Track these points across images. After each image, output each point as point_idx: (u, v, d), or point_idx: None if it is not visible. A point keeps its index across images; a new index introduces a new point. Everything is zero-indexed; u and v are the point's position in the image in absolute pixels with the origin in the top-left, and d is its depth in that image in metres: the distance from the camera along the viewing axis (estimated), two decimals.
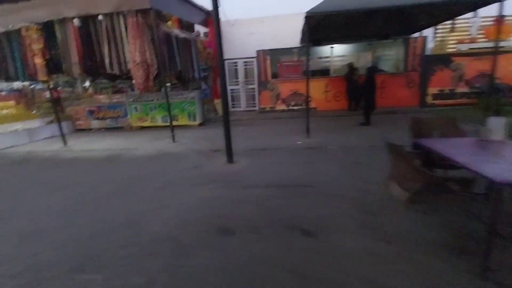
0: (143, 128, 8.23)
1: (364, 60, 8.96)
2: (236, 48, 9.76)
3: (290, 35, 9.02)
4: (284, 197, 2.80)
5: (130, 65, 5.64)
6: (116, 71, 5.81)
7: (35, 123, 7.72)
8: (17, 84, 8.31)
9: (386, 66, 9.12)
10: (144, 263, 1.86)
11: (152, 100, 8.18)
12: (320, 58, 9.43)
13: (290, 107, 9.42)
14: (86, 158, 5.15)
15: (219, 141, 5.68)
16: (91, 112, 8.49)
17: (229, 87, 9.72)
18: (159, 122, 8.22)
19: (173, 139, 5.90)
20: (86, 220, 2.58)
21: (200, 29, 8.89)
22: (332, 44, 9.07)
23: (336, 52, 9.27)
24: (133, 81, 6.47)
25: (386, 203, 2.33)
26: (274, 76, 9.34)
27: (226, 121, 3.90)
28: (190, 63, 7.38)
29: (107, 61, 5.81)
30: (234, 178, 3.44)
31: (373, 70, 6.32)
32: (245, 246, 1.99)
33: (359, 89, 7.30)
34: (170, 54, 6.30)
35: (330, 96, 9.03)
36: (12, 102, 8.20)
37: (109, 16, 5.44)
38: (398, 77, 8.54)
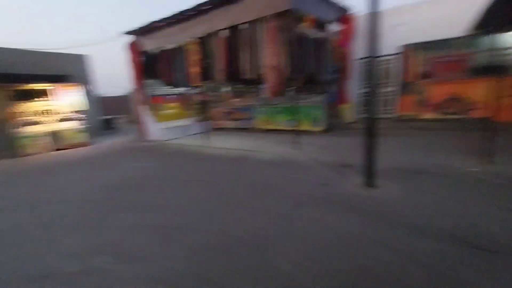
0: (267, 130, 8.50)
1: None
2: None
3: (446, 23, 6.83)
4: (474, 266, 1.74)
5: (263, 70, 5.77)
6: (251, 76, 6.11)
7: (188, 121, 9.52)
8: (180, 90, 10.55)
9: None
10: None
11: (277, 104, 8.30)
12: (500, 50, 6.61)
13: (445, 116, 7.15)
14: (219, 156, 5.64)
15: (347, 153, 4.87)
16: (227, 114, 9.61)
17: (359, 91, 8.55)
18: (282, 126, 8.24)
19: (296, 146, 5.58)
20: (207, 227, 2.53)
21: (333, 27, 8.23)
22: None
23: None
24: (265, 86, 6.74)
25: None
26: (424, 76, 7.37)
27: (371, 130, 3.07)
28: (321, 64, 6.86)
29: (245, 67, 6.20)
30: (380, 211, 2.59)
31: None
32: None
33: None
34: (302, 57, 6.02)
35: None
36: (176, 104, 10.50)
37: (251, 23, 5.75)
38: None
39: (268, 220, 2.56)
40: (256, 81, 7.33)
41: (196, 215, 2.81)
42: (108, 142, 9.07)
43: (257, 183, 3.67)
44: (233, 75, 6.58)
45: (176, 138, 8.52)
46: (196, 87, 7.69)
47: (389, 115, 8.43)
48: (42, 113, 8.10)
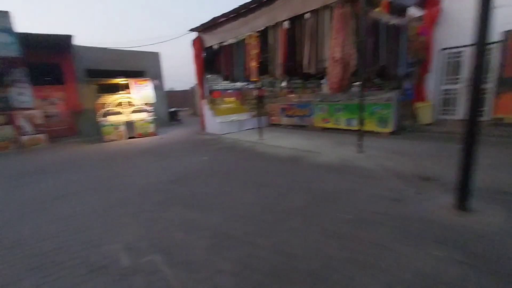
0: (325, 129, 7.90)
1: None
2: (462, 31, 6.87)
3: None
4: None
5: (326, 63, 5.25)
6: (312, 70, 5.65)
7: (244, 116, 9.56)
8: (237, 84, 10.68)
9: None
10: None
11: (339, 101, 7.59)
12: None
13: None
14: (273, 154, 5.40)
15: (424, 162, 4.05)
16: (283, 110, 9.30)
17: (442, 87, 7.19)
18: (342, 125, 7.52)
19: (360, 149, 4.94)
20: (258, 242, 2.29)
21: (412, 12, 7.02)
22: None
23: None
24: (326, 80, 6.20)
25: None
26: None
27: (471, 137, 2.37)
28: (395, 56, 5.93)
29: (305, 61, 5.77)
30: (484, 249, 1.95)
31: None
32: None
33: None
34: (374, 47, 5.27)
35: None
36: (233, 99, 10.68)
37: (315, 12, 5.27)
38: None
39: (325, 240, 2.19)
40: (316, 76, 6.82)
41: (246, 220, 2.62)
42: (172, 133, 9.79)
43: (314, 190, 3.29)
44: (292, 70, 6.22)
45: (232, 133, 8.64)
46: (254, 82, 7.59)
47: (481, 118, 6.86)
48: (121, 105, 9.19)
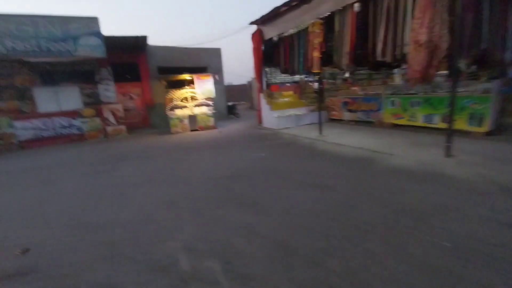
0: (396, 126, 6.89)
1: None
2: None
3: None
4: None
5: (407, 49, 4.44)
6: (387, 58, 4.88)
7: (301, 110, 9.11)
8: (296, 77, 10.22)
9: None
10: None
11: (416, 94, 6.48)
12: None
13: None
14: (336, 154, 4.91)
15: None
16: (345, 104, 8.51)
17: None
18: (419, 122, 6.41)
19: (448, 152, 4.06)
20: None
21: None
22: None
23: None
24: (404, 69, 5.31)
25: None
26: None
27: None
28: (502, 36, 4.67)
29: (379, 47, 5.02)
30: None
31: None
32: None
33: None
34: (474, 25, 4.22)
35: None
36: (291, 92, 10.29)
37: None
38: None
39: (416, 273, 1.73)
40: (391, 65, 5.92)
41: (310, 232, 2.33)
42: (230, 127, 10.03)
43: (392, 203, 2.76)
44: (362, 58, 5.52)
45: (289, 128, 8.33)
46: (314, 74, 7.08)
47: None
48: (186, 99, 9.80)
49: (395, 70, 8.06)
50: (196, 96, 9.95)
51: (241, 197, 3.22)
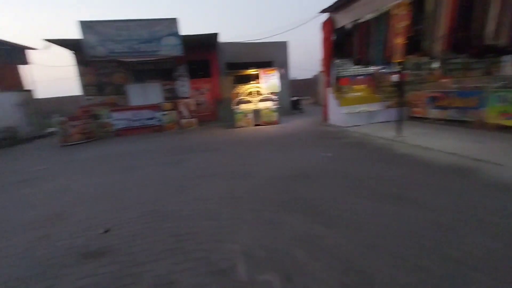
0: (504, 128, 5.40)
1: None
2: None
3: None
4: None
5: None
6: (502, 40, 3.78)
7: (375, 106, 8.10)
8: (370, 69, 9.12)
9: None
10: None
11: None
12: None
13: None
14: (421, 159, 4.12)
15: None
16: (432, 99, 7.16)
17: None
18: None
19: None
20: None
21: None
22: None
23: None
24: None
25: None
26: None
27: None
28: None
29: (490, 27, 3.93)
30: None
31: None
32: None
33: None
34: None
35: None
36: (363, 86, 9.26)
37: None
38: None
39: None
40: (503, 50, 4.62)
41: (394, 259, 1.92)
42: (293, 123, 9.73)
43: (503, 230, 2.06)
44: (463, 43, 4.45)
45: (359, 125, 7.53)
46: (395, 64, 6.12)
47: None
48: (251, 94, 9.94)
49: (508, 57, 6.31)
50: (261, 90, 9.97)
51: (305, 202, 2.97)
